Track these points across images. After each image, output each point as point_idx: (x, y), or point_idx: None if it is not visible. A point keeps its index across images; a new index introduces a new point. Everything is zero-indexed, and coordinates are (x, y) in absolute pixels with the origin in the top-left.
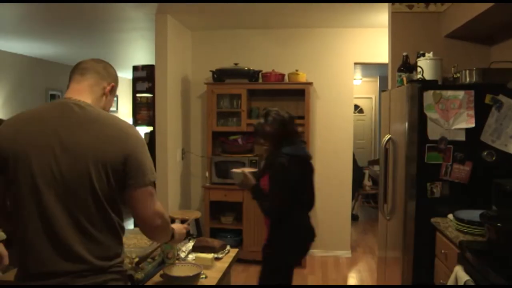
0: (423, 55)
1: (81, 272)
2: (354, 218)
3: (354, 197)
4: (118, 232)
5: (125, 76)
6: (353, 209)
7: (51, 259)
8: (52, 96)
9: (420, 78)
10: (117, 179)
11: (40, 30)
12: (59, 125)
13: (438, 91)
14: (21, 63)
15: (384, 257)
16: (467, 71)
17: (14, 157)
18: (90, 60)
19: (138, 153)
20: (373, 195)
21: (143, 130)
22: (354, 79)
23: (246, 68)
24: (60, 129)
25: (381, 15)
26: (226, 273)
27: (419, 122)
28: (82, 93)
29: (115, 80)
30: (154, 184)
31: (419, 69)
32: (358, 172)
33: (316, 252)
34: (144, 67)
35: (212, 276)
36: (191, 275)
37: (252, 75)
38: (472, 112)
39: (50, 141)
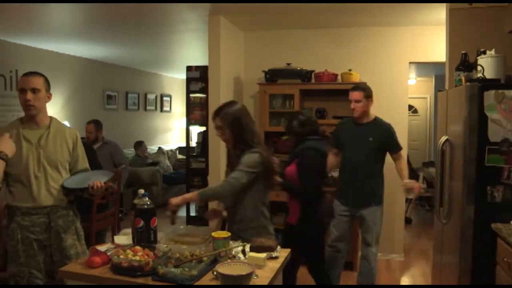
0: (484, 52)
1: None
2: (407, 221)
3: (407, 199)
4: None
5: (178, 76)
6: (406, 211)
7: None
8: (109, 97)
9: (480, 77)
10: None
11: (98, 33)
12: None
13: (500, 91)
14: (80, 65)
15: (439, 262)
16: None
17: None
18: None
19: None
20: (427, 198)
21: (196, 130)
22: (409, 78)
23: (298, 68)
24: None
25: (438, 12)
26: (278, 273)
27: (479, 123)
28: None
29: None
30: None
31: (479, 68)
32: (412, 174)
33: None
34: (198, 67)
35: (264, 275)
36: (243, 274)
37: (304, 75)
38: None
39: None
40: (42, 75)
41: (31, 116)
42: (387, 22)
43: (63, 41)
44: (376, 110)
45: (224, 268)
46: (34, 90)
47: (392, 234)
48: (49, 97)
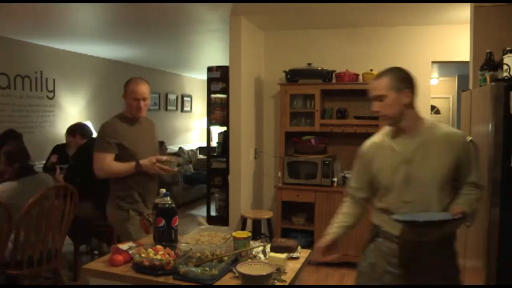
0: (510, 51)
1: None
2: None
3: None
4: None
5: (199, 77)
6: None
7: None
8: None
9: (506, 76)
10: None
11: (120, 35)
12: None
13: None
14: (102, 66)
15: (462, 266)
16: None
17: None
18: None
19: None
20: None
21: (217, 130)
22: (431, 78)
23: (319, 68)
24: None
25: (462, 11)
26: (299, 273)
27: (504, 123)
28: None
29: None
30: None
31: (505, 67)
32: None
33: None
34: (219, 68)
35: (285, 276)
36: (264, 274)
37: (325, 75)
38: None
39: None
40: None
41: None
42: (409, 21)
43: (86, 42)
44: None
45: (245, 268)
46: None
47: None
48: None
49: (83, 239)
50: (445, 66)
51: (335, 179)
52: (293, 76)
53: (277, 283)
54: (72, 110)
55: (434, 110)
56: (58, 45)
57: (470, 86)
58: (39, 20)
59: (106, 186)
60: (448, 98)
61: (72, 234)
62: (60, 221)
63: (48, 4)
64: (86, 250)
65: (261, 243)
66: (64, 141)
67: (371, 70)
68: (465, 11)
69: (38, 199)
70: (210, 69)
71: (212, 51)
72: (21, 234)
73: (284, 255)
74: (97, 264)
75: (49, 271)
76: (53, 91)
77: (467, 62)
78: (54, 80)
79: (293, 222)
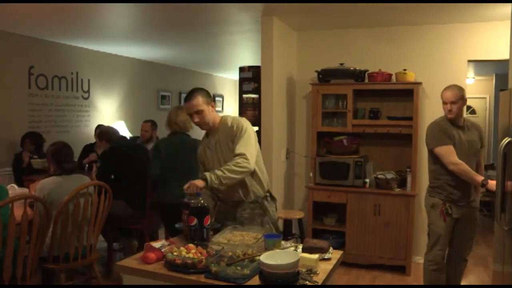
0: None
1: None
2: None
3: None
4: None
5: (231, 77)
6: None
7: None
8: (163, 97)
9: None
10: None
11: (153, 35)
12: None
13: None
14: (135, 66)
15: (501, 271)
16: None
17: None
18: None
19: None
20: (486, 203)
21: None
22: (467, 77)
23: (351, 68)
24: None
25: (500, 8)
26: (331, 274)
27: None
28: None
29: None
30: None
31: None
32: None
33: (421, 259)
34: (251, 68)
35: (317, 277)
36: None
37: (358, 75)
38: None
39: None
40: None
41: None
42: (444, 19)
43: (120, 44)
44: (432, 111)
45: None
46: None
47: None
48: None
49: (114, 236)
50: (482, 65)
51: (367, 180)
52: (325, 76)
53: (308, 283)
54: (106, 110)
55: (470, 110)
56: (93, 46)
57: (510, 85)
58: (75, 22)
59: (137, 185)
60: (485, 98)
61: (104, 233)
62: (95, 218)
63: (84, 7)
64: (119, 247)
65: (293, 244)
66: (93, 141)
67: (404, 70)
68: (502, 8)
69: (74, 195)
70: (242, 69)
71: (244, 51)
72: (58, 229)
73: (316, 256)
74: (130, 261)
75: (84, 266)
76: (88, 91)
77: (506, 60)
78: (89, 80)
79: (324, 222)
